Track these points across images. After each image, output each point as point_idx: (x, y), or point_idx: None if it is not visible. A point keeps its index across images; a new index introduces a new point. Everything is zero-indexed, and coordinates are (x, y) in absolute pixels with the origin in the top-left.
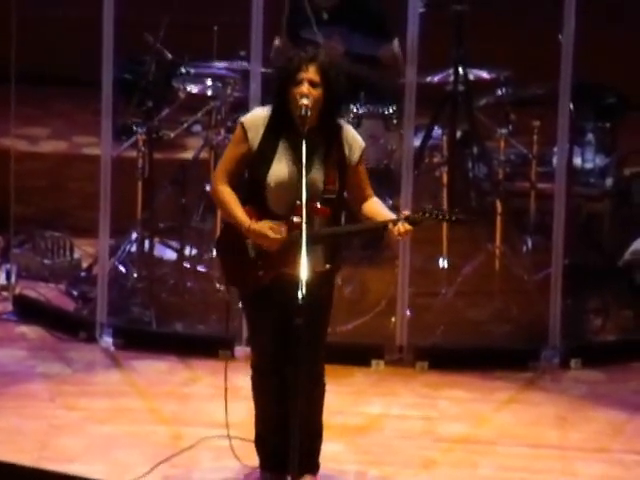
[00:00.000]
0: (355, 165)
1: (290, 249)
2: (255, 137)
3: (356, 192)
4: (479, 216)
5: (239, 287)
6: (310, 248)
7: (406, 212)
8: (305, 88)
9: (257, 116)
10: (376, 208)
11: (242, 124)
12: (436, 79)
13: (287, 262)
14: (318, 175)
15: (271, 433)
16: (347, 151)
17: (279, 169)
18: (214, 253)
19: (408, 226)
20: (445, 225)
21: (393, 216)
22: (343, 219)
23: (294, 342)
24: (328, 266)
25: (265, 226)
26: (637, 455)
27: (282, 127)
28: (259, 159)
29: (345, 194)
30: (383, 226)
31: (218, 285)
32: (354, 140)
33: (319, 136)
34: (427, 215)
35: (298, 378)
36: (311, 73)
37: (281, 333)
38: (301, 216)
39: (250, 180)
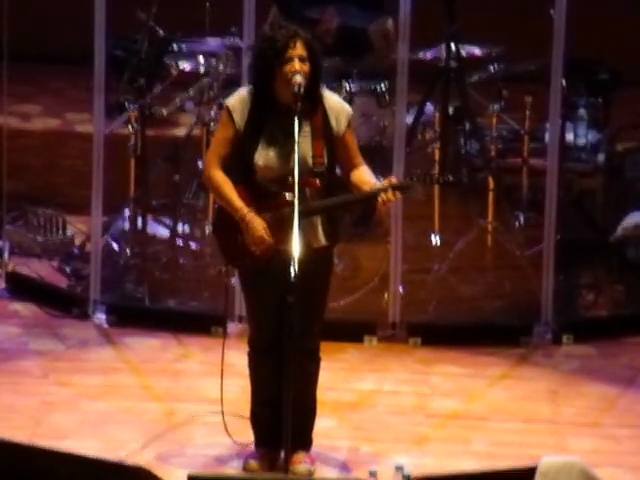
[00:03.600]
0: (343, 134)
1: (285, 226)
2: (241, 118)
3: (345, 161)
4: (467, 184)
5: (238, 267)
6: (307, 224)
7: (393, 179)
8: (297, 65)
9: (241, 97)
10: (363, 176)
11: (227, 107)
12: (428, 55)
13: (283, 240)
14: (306, 149)
15: (265, 409)
16: (334, 122)
17: (266, 147)
18: (207, 231)
19: (391, 195)
20: (437, 201)
21: (380, 184)
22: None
23: (289, 319)
24: (325, 242)
25: (260, 227)
26: (629, 429)
27: (267, 106)
28: (246, 139)
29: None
30: (373, 195)
31: (222, 268)
32: (340, 109)
33: (303, 110)
34: (414, 180)
35: (292, 354)
36: (299, 49)
37: (279, 310)
38: (293, 193)
39: (240, 160)
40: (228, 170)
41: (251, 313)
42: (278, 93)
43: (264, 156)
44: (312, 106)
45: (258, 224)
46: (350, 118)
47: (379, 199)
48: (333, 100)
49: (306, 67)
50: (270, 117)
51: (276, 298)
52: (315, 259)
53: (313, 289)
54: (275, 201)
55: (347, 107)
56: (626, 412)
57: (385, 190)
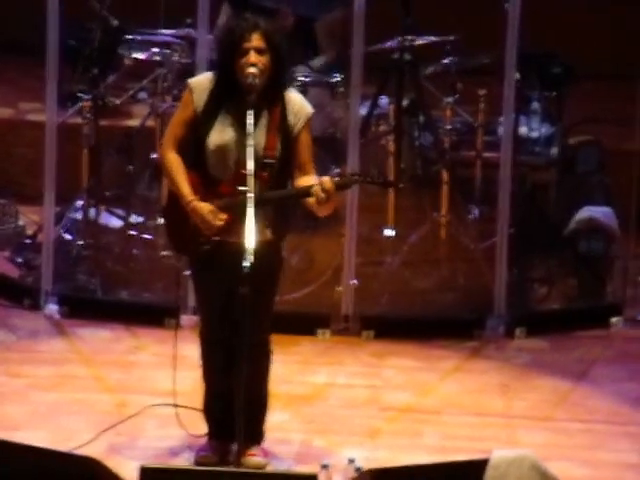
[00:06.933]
0: (298, 133)
1: (233, 218)
2: (200, 99)
3: (296, 164)
4: (399, 182)
5: (184, 253)
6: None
7: (325, 178)
8: (253, 57)
9: (204, 79)
10: (305, 181)
11: (189, 85)
12: (383, 47)
13: (228, 230)
14: (259, 140)
15: (217, 401)
16: (291, 117)
17: (219, 133)
18: (160, 220)
19: (322, 192)
20: (392, 194)
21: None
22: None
23: (239, 311)
24: (270, 236)
25: (205, 209)
26: (580, 423)
27: (226, 94)
28: (202, 121)
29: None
30: (306, 192)
31: (164, 252)
32: (300, 107)
33: (263, 102)
34: (345, 179)
35: (243, 347)
36: (255, 41)
37: (227, 302)
38: (242, 184)
39: (193, 142)
40: (184, 152)
41: (200, 305)
42: (238, 83)
43: (215, 141)
44: (273, 98)
45: (203, 208)
46: (309, 119)
47: (312, 196)
48: (296, 98)
49: (264, 59)
50: (229, 103)
51: (224, 290)
52: (261, 253)
53: (260, 283)
54: (224, 190)
55: (308, 108)
56: (578, 406)
57: (318, 187)
